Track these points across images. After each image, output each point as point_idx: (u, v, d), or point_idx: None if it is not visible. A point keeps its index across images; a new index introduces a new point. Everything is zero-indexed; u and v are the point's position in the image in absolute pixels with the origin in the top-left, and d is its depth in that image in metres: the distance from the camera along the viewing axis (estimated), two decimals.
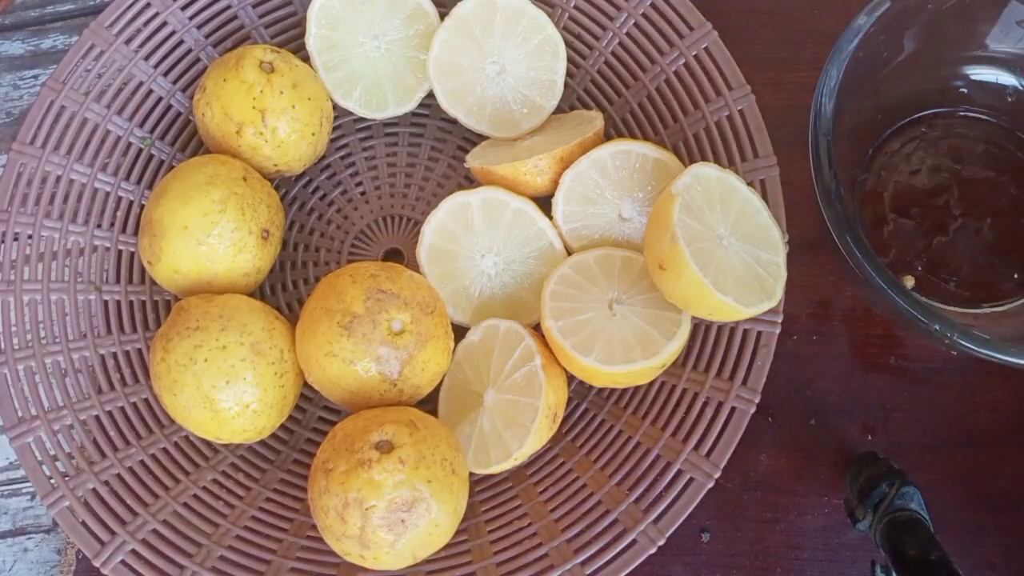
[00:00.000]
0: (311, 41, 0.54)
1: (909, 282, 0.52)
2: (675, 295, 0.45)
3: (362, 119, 0.57)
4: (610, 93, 0.54)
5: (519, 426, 0.45)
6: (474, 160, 0.53)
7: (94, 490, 0.47)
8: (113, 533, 0.46)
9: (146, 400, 0.50)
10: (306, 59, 0.54)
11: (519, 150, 0.52)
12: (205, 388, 0.44)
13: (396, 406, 0.46)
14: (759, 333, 0.46)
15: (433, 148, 0.58)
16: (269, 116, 0.49)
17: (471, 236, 0.51)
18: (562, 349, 0.46)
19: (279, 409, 0.47)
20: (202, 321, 0.45)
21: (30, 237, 0.51)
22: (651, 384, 0.48)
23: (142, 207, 0.54)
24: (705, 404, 0.46)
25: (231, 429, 0.46)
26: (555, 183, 0.50)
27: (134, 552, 0.46)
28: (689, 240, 0.43)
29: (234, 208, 0.48)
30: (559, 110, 0.55)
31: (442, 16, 0.54)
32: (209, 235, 0.47)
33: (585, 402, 0.51)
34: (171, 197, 0.48)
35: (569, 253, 0.51)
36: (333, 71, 0.55)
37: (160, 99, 0.55)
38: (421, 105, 0.57)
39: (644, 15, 0.52)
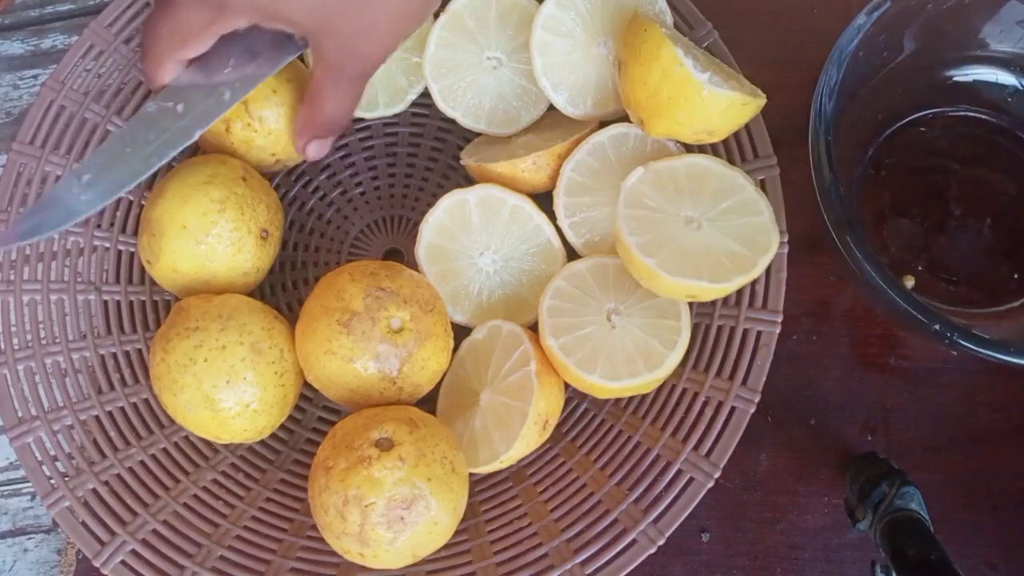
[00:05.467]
0: None
1: (909, 282, 0.52)
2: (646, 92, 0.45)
3: (361, 119, 0.57)
4: None
5: (508, 429, 0.45)
6: (469, 158, 0.53)
7: (94, 490, 0.47)
8: (113, 533, 0.46)
9: (146, 400, 0.50)
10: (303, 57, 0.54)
11: (515, 147, 0.52)
12: (205, 388, 0.44)
13: (396, 405, 0.46)
14: (759, 333, 0.46)
15: (433, 148, 0.58)
16: (252, 106, 0.49)
17: (469, 234, 0.51)
18: (565, 367, 0.46)
19: (279, 409, 0.47)
20: (201, 321, 0.45)
21: None
22: None
23: (142, 207, 0.54)
24: (705, 404, 0.46)
25: (231, 429, 0.46)
26: (553, 180, 0.50)
27: (134, 552, 0.46)
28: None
29: (233, 208, 0.48)
30: None
31: (436, 15, 0.54)
32: (208, 235, 0.47)
33: (585, 402, 0.51)
34: (169, 196, 0.48)
35: (569, 247, 0.51)
36: None
37: None
38: (421, 105, 0.57)
39: None
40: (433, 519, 0.42)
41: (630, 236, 0.44)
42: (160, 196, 0.48)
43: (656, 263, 0.43)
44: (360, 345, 0.44)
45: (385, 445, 0.42)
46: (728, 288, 0.44)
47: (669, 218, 0.45)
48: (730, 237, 0.45)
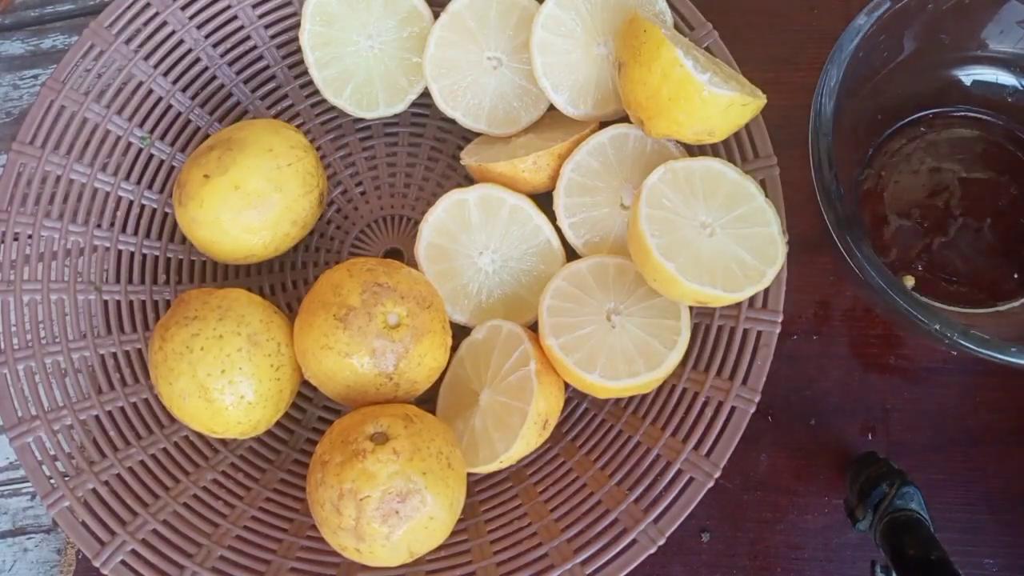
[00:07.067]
0: (305, 37, 0.54)
1: (909, 282, 0.52)
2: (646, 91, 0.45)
3: (361, 119, 0.57)
4: None
5: (508, 429, 0.45)
6: (469, 158, 0.53)
7: (94, 490, 0.47)
8: (113, 533, 0.46)
9: (146, 400, 0.50)
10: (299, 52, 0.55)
11: (515, 147, 0.52)
12: (200, 377, 0.44)
13: (394, 403, 0.46)
14: (759, 333, 0.46)
15: (433, 148, 0.58)
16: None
17: (469, 233, 0.51)
18: (565, 367, 0.46)
19: (275, 403, 0.47)
20: (200, 311, 0.46)
21: (30, 237, 0.51)
22: None
23: (142, 207, 0.54)
24: (705, 404, 0.46)
25: (225, 420, 0.46)
26: (553, 180, 0.51)
27: (134, 552, 0.46)
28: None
29: (314, 157, 0.51)
30: None
31: (436, 15, 0.54)
32: (290, 163, 0.49)
33: (585, 402, 0.51)
34: (260, 126, 0.50)
35: (568, 248, 0.51)
36: (325, 68, 0.55)
37: (160, 99, 0.55)
38: (421, 105, 0.57)
39: None
40: (429, 514, 0.42)
41: (652, 238, 0.44)
42: (247, 126, 0.50)
43: (676, 268, 0.43)
44: (356, 340, 0.44)
45: (380, 439, 0.42)
46: (739, 298, 0.44)
47: (685, 221, 0.45)
48: (741, 246, 0.45)
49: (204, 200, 0.48)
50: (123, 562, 0.45)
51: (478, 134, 0.55)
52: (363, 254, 0.56)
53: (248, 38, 0.57)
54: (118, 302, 0.52)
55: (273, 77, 0.58)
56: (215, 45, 0.56)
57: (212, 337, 0.45)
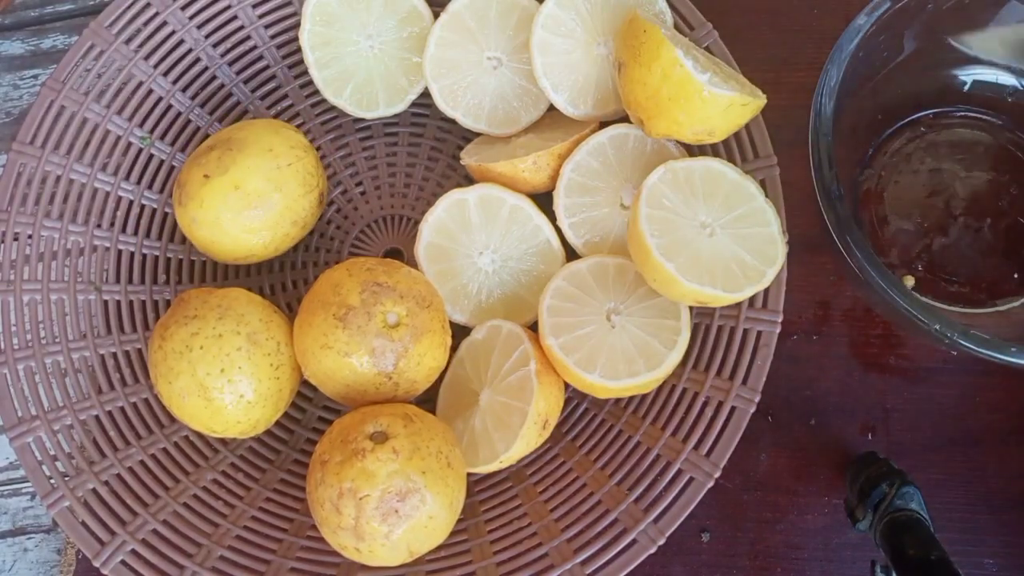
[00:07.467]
0: (304, 36, 0.54)
1: (909, 282, 0.52)
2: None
3: (361, 119, 0.58)
4: None
5: (508, 429, 0.45)
6: (469, 157, 0.53)
7: (94, 490, 0.47)
8: (113, 533, 0.46)
9: (146, 400, 0.50)
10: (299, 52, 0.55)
11: (515, 147, 0.52)
12: (200, 376, 0.45)
13: (393, 402, 0.46)
14: (759, 333, 0.46)
15: (433, 148, 0.58)
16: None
17: (469, 233, 0.51)
18: (565, 367, 0.46)
19: (274, 402, 0.47)
20: (200, 310, 0.46)
21: (30, 237, 0.51)
22: None
23: (142, 207, 0.54)
24: (705, 404, 0.46)
25: (225, 420, 0.46)
26: (553, 180, 0.51)
27: (134, 552, 0.46)
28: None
29: (313, 157, 0.52)
30: None
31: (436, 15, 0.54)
32: (290, 163, 0.49)
33: (585, 402, 0.51)
34: (260, 126, 0.50)
35: (568, 248, 0.51)
36: (325, 68, 0.55)
37: (160, 99, 0.55)
38: (421, 105, 0.57)
39: None
40: (428, 513, 0.42)
41: (651, 238, 0.44)
42: (247, 125, 0.50)
43: (675, 268, 0.43)
44: (356, 339, 0.44)
45: (379, 438, 0.42)
46: (738, 298, 0.44)
47: (685, 221, 0.45)
48: (740, 246, 0.45)
49: (204, 200, 0.48)
50: (123, 562, 0.45)
51: (478, 134, 0.55)
52: (363, 254, 0.56)
53: (248, 38, 0.57)
54: (118, 302, 0.52)
55: (273, 77, 0.58)
56: (215, 45, 0.56)
57: (211, 336, 0.45)
